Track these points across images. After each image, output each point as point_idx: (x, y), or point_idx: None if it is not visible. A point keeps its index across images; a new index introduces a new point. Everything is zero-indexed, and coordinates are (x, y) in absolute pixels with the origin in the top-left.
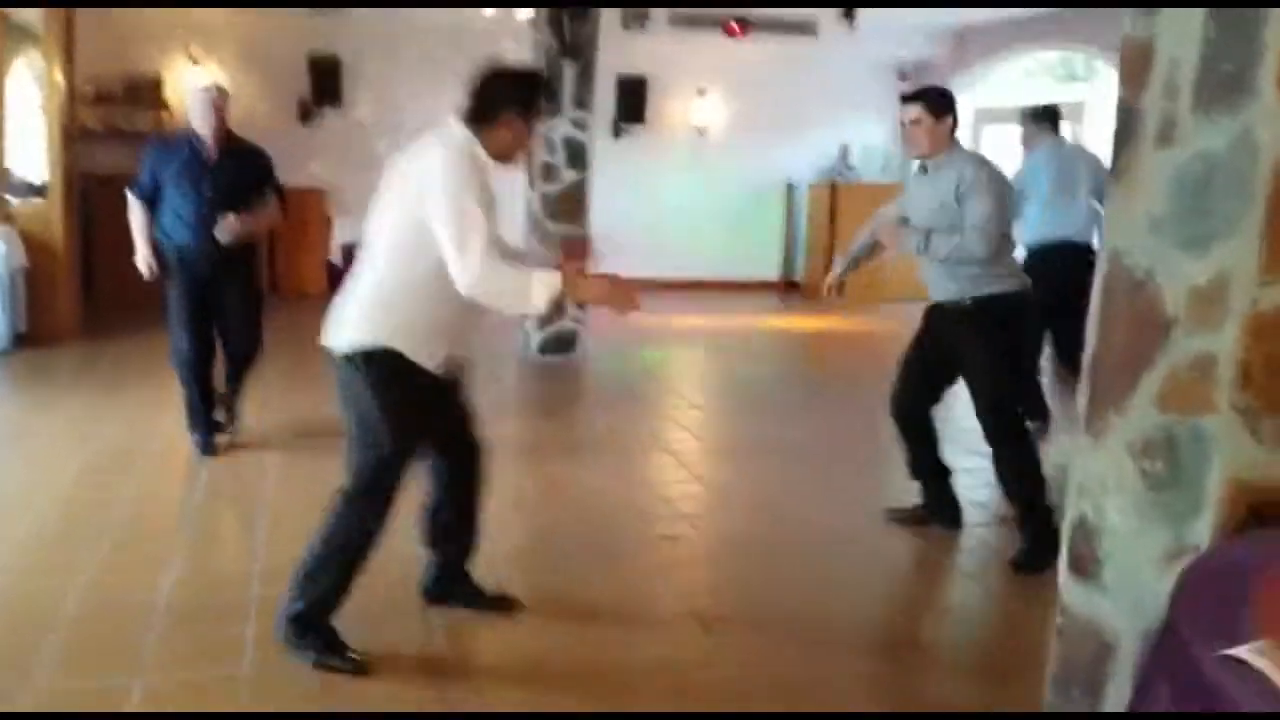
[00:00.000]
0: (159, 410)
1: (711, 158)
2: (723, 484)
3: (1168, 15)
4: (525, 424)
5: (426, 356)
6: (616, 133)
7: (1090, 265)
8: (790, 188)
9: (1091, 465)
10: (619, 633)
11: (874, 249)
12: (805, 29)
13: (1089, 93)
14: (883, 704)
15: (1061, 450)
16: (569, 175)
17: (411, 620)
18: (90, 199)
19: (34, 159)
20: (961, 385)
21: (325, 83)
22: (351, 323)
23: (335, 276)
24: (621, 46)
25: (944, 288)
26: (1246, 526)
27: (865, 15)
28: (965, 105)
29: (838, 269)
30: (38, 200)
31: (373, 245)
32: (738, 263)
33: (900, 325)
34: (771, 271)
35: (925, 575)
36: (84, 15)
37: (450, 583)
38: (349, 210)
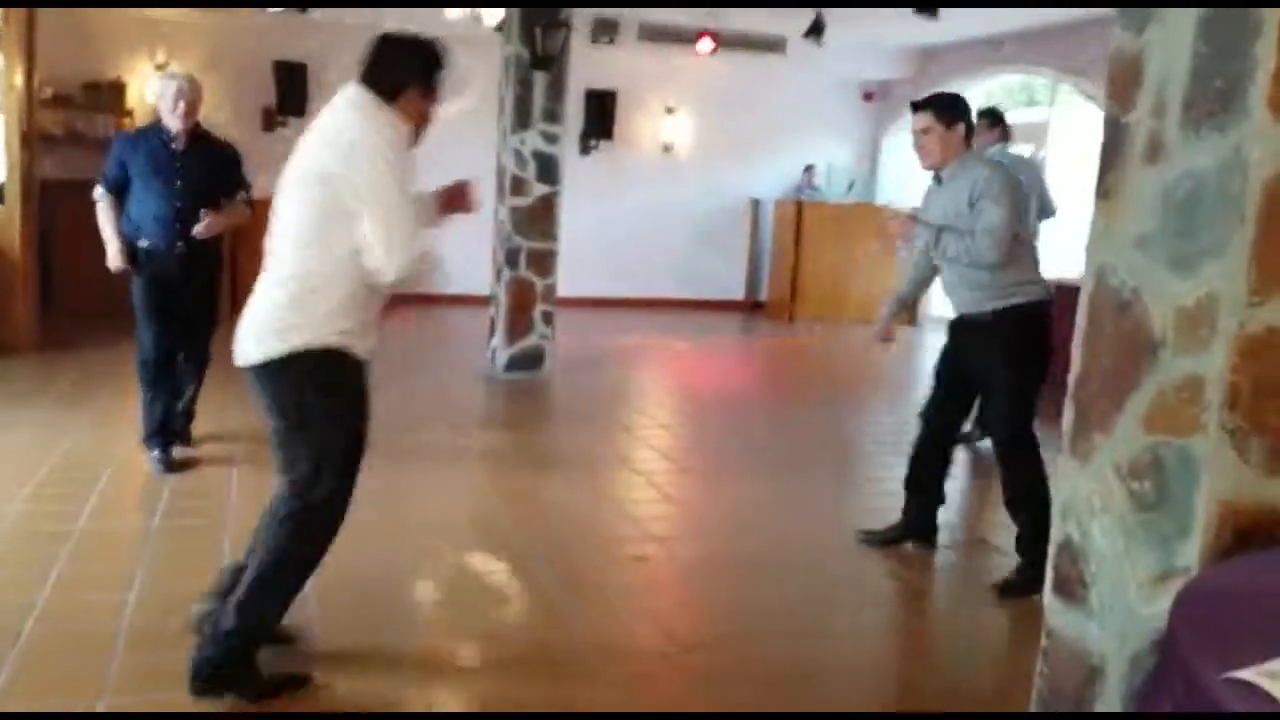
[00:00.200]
0: (120, 423)
1: (678, 175)
2: (692, 504)
3: (1157, 31)
4: (491, 442)
5: (364, 350)
6: (584, 149)
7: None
8: (756, 206)
9: (1078, 486)
10: (590, 655)
11: (920, 285)
12: (773, 47)
13: (1051, 115)
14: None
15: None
16: (539, 189)
17: (375, 651)
18: (49, 206)
19: None
20: None
21: (290, 91)
22: (286, 326)
23: None
24: (590, 60)
25: (964, 298)
26: (1235, 548)
27: (832, 34)
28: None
29: (885, 311)
30: None
31: (284, 240)
32: (703, 281)
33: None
34: (737, 290)
35: (900, 595)
36: (44, 15)
37: None
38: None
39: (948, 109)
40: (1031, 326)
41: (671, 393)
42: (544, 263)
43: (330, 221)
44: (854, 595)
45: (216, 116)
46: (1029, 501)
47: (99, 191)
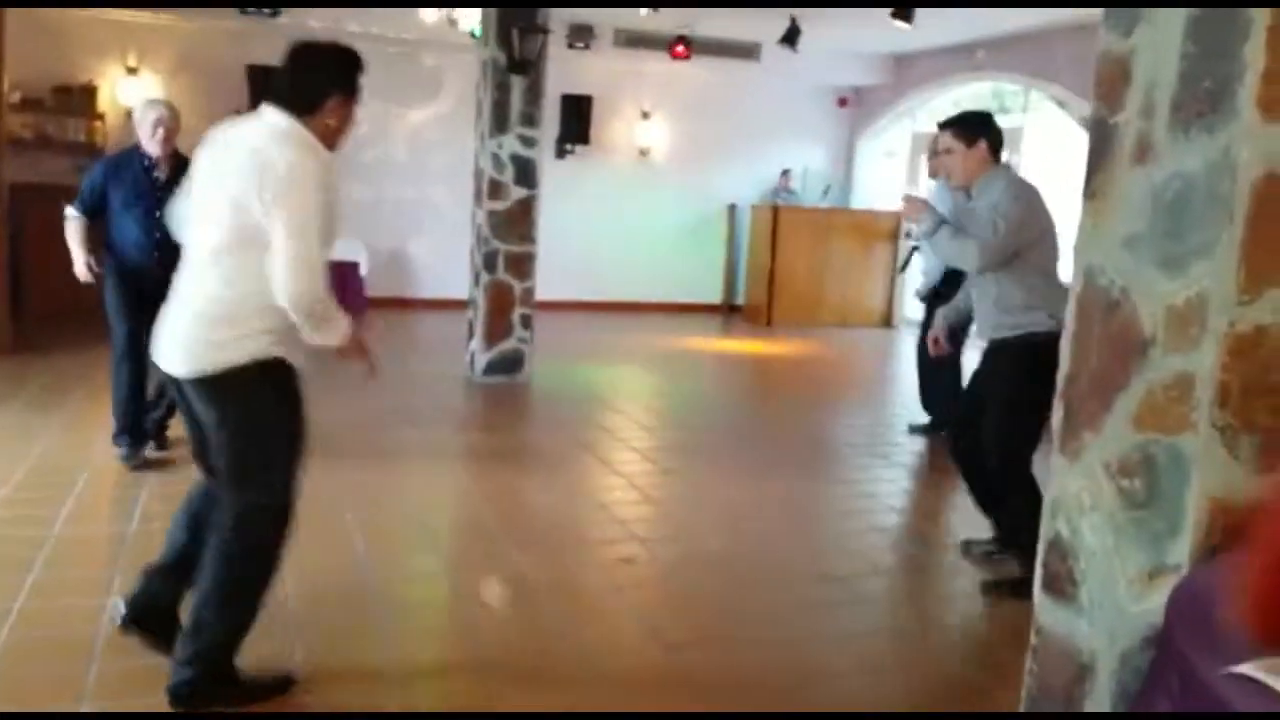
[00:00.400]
0: (93, 427)
1: (655, 179)
2: (674, 505)
3: (1145, 33)
4: (472, 446)
5: (300, 360)
6: (560, 153)
7: None
8: (733, 210)
9: (1067, 484)
10: (578, 657)
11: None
12: (748, 53)
13: (1025, 121)
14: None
15: None
16: (517, 192)
17: (358, 651)
18: (18, 210)
19: None
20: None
21: (264, 94)
22: (221, 341)
23: None
24: (566, 65)
25: (985, 323)
26: (1226, 546)
27: (807, 41)
28: (905, 132)
29: (942, 322)
30: None
31: (204, 256)
32: (680, 285)
33: (836, 348)
34: (714, 294)
35: (887, 592)
36: (13, 17)
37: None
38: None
39: (968, 128)
40: (1037, 355)
41: (651, 395)
42: (522, 266)
43: (249, 243)
44: (838, 594)
45: (189, 121)
46: (1015, 531)
47: (70, 211)
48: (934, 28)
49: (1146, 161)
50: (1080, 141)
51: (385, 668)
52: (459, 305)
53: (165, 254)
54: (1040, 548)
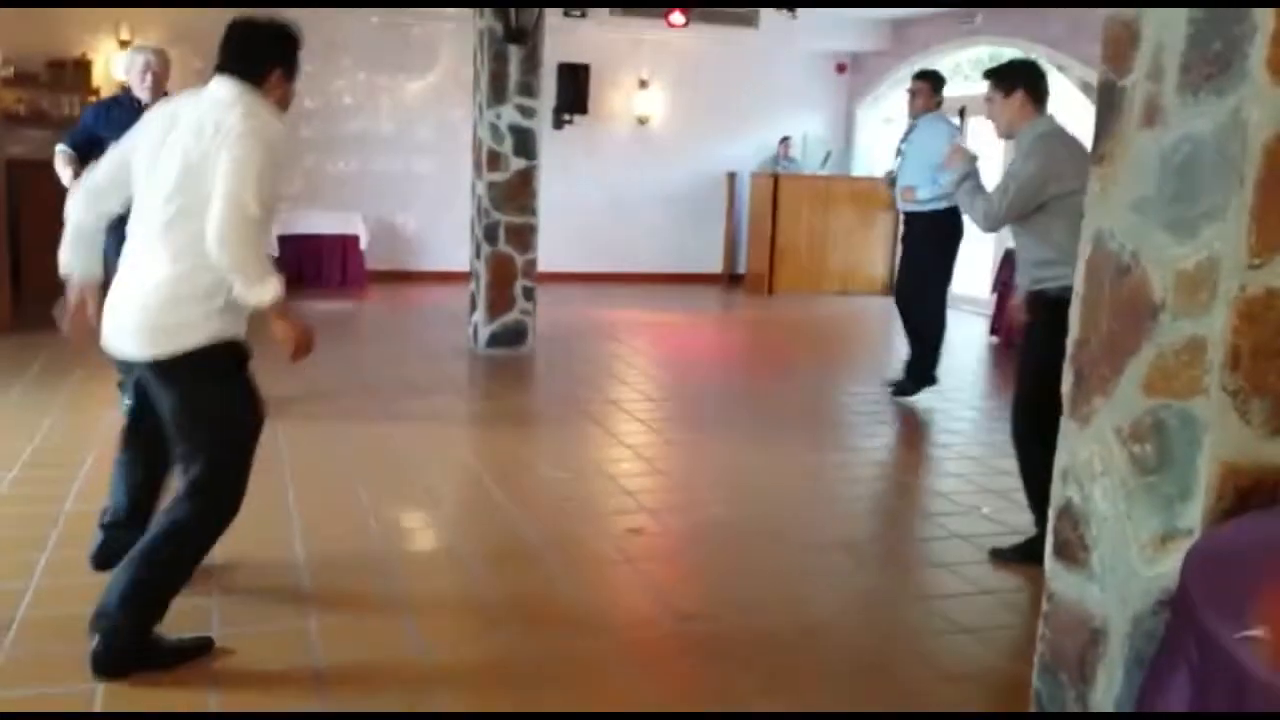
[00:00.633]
0: (98, 406)
1: (654, 148)
2: (682, 475)
3: None
4: (478, 418)
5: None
6: (558, 123)
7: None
8: (733, 178)
9: (1078, 450)
10: (591, 627)
11: None
12: (746, 20)
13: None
14: (870, 688)
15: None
16: (516, 163)
17: (380, 623)
18: (14, 186)
19: None
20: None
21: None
22: (184, 323)
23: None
24: (562, 34)
25: (1021, 275)
26: (1237, 509)
27: (804, 7)
28: (904, 98)
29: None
30: None
31: (165, 229)
32: (681, 255)
33: (839, 316)
34: (715, 263)
35: (896, 561)
36: None
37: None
38: (282, 200)
39: (1005, 77)
40: (1059, 312)
41: (654, 366)
42: (523, 237)
43: (200, 208)
44: (847, 560)
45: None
46: (1029, 480)
47: (60, 146)
48: None
49: (1155, 125)
50: (1079, 106)
51: (397, 640)
52: (460, 278)
53: None
54: (1051, 514)
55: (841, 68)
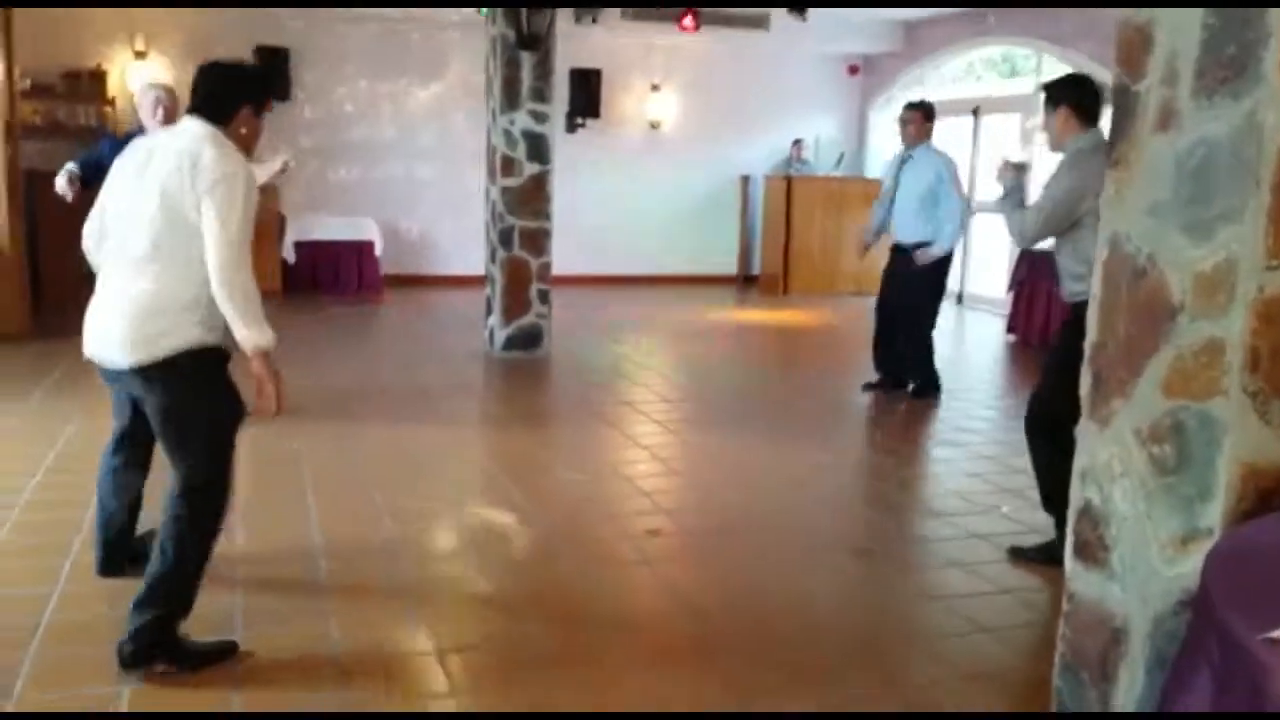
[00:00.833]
0: None
1: (667, 152)
2: (699, 476)
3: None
4: (496, 421)
5: (232, 345)
6: (571, 128)
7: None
8: (746, 181)
9: (1097, 451)
10: (610, 628)
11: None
12: (757, 23)
13: (1037, 85)
14: (885, 690)
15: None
16: (530, 168)
17: (399, 622)
18: (32, 196)
19: None
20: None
21: (274, 75)
22: (164, 331)
23: (289, 275)
24: (574, 40)
25: (1062, 286)
26: (1257, 510)
27: (816, 9)
28: (916, 99)
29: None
30: None
31: (134, 253)
32: (695, 257)
33: (853, 316)
34: (729, 265)
35: (914, 560)
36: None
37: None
38: (300, 207)
39: (1052, 91)
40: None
41: (669, 368)
42: (538, 241)
43: (180, 242)
44: (865, 563)
45: None
46: (1042, 479)
47: (70, 165)
48: None
49: (1170, 129)
50: None
51: (415, 638)
52: (476, 282)
53: None
54: (1070, 514)
55: (854, 70)
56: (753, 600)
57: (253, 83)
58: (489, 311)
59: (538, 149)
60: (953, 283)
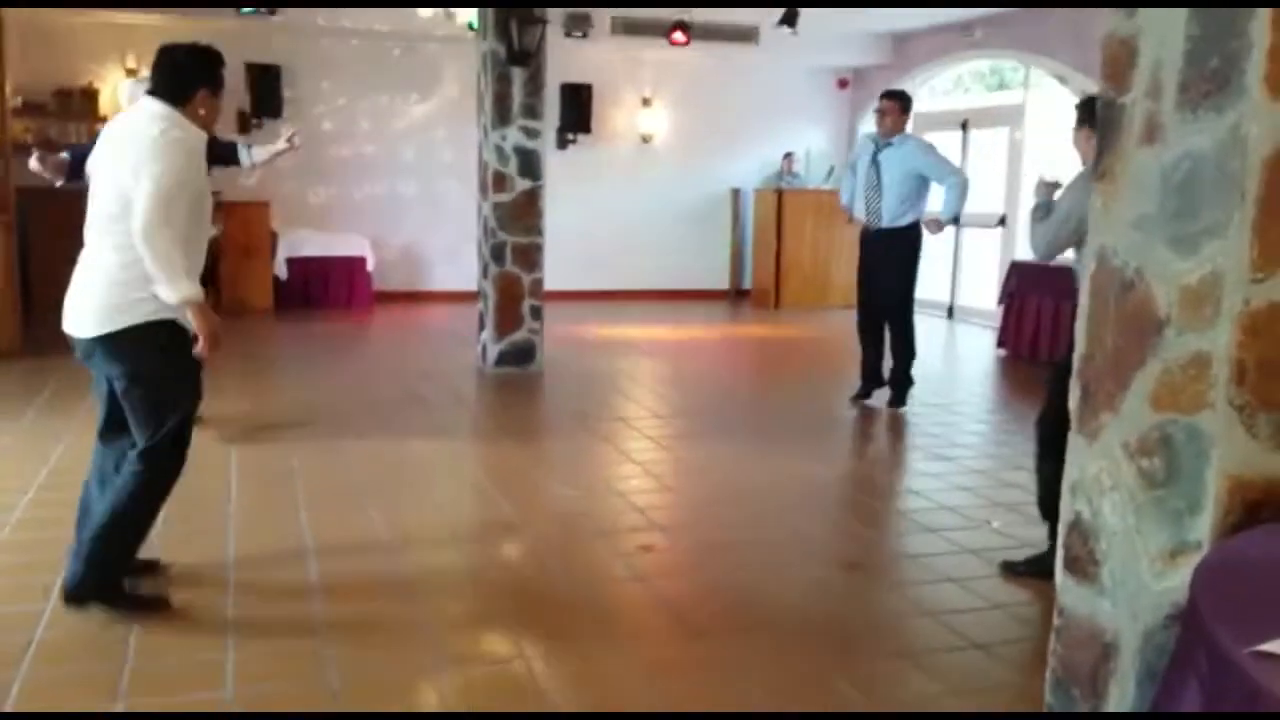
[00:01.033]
0: None
1: (658, 166)
2: (692, 491)
3: (1150, 13)
4: (488, 436)
5: (188, 321)
6: (562, 143)
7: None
8: (736, 195)
9: (1086, 465)
10: (604, 643)
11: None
12: (746, 36)
13: (1026, 98)
14: (881, 703)
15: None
16: (521, 184)
17: (392, 640)
18: (23, 214)
19: None
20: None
21: (264, 92)
22: (127, 303)
23: (281, 291)
24: (564, 55)
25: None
26: (1246, 523)
27: (806, 22)
28: (894, 89)
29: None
30: None
31: (96, 230)
32: (687, 271)
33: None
34: (720, 279)
35: (906, 576)
36: (11, 22)
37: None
38: (293, 223)
39: (1081, 109)
40: None
41: (661, 383)
42: (530, 257)
43: (129, 211)
44: (860, 578)
45: None
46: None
47: (64, 153)
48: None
49: (1155, 142)
50: None
51: (409, 657)
52: (467, 297)
53: None
54: (1060, 528)
55: (843, 83)
56: (744, 615)
57: (206, 65)
58: (481, 327)
59: (529, 164)
60: (943, 295)
